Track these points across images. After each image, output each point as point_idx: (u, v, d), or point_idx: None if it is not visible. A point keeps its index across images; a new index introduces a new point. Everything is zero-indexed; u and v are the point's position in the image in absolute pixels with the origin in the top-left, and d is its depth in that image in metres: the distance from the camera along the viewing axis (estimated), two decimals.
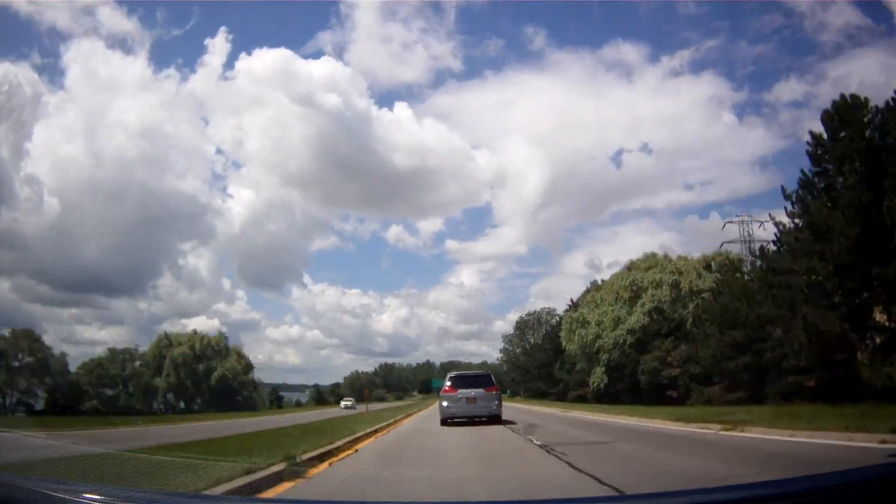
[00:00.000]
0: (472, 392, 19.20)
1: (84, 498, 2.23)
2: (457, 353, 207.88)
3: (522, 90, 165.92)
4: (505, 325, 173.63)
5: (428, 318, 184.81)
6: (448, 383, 19.87)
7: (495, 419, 18.94)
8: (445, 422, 18.88)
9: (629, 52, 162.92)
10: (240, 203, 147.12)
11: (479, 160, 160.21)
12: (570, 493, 6.46)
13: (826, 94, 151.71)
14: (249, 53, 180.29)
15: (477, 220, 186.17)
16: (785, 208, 26.22)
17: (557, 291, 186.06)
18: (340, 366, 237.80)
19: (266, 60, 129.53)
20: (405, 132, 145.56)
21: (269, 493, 6.74)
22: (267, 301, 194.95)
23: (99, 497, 2.31)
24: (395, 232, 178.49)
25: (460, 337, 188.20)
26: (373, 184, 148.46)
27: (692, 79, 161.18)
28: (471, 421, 19.15)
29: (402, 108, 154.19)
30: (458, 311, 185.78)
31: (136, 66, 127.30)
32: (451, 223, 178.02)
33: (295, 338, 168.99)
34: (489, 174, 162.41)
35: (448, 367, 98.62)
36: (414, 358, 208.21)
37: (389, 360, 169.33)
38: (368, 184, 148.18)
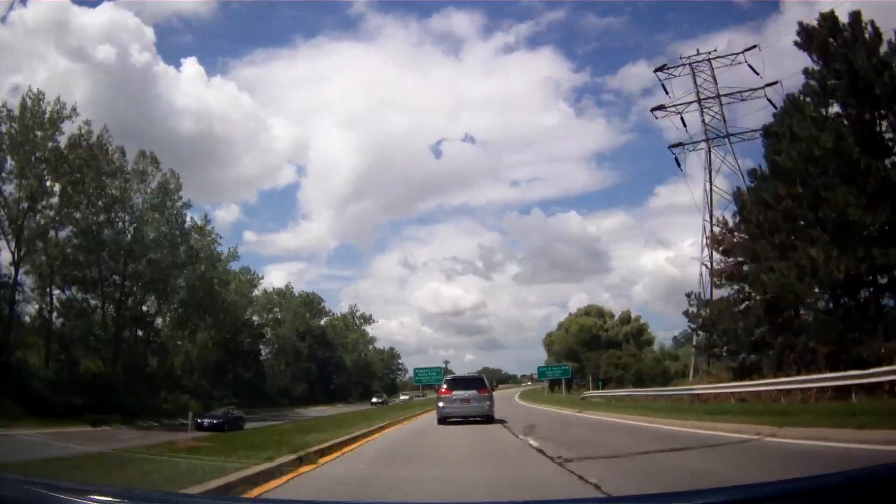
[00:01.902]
0: (466, 393, 20.28)
1: (85, 498, 2.23)
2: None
3: (336, 62, 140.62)
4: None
5: None
6: (444, 386, 21.23)
7: (488, 418, 19.95)
8: (442, 421, 19.87)
9: (461, 22, 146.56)
10: None
11: (275, 131, 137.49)
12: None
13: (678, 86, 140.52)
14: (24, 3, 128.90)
15: (279, 208, 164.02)
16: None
17: (370, 296, 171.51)
18: None
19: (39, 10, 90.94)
20: (194, 94, 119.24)
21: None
22: None
23: (100, 497, 2.31)
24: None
25: None
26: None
27: (528, 56, 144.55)
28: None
29: (190, 65, 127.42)
30: None
31: None
32: (249, 210, 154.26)
33: None
34: (287, 146, 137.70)
35: None
36: None
37: None
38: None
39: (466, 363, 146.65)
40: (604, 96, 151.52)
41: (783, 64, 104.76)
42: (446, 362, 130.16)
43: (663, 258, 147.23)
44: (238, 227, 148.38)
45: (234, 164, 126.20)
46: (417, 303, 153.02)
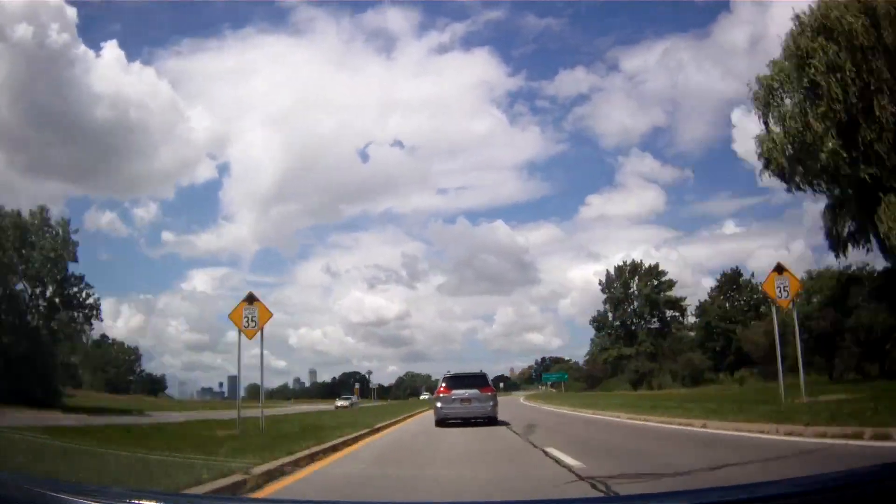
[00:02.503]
0: (467, 392, 18.85)
1: (85, 498, 2.23)
2: (191, 367, 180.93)
3: (263, 56, 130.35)
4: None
5: (159, 327, 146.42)
6: (443, 384, 19.65)
7: (491, 420, 18.58)
8: (440, 423, 18.56)
9: (397, 19, 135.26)
10: None
11: (194, 122, 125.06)
12: None
13: (616, 89, 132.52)
14: None
15: (200, 207, 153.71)
16: None
17: (293, 304, 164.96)
18: None
19: None
20: (113, 80, 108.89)
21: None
22: None
23: (100, 497, 2.31)
24: (108, 219, 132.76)
25: (192, 347, 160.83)
26: (85, 147, 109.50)
27: (462, 57, 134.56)
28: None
29: (111, 49, 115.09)
30: (190, 319, 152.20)
31: None
32: (169, 208, 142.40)
33: None
34: (207, 140, 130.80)
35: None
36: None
37: None
38: (80, 147, 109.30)
39: (389, 374, 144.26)
40: (539, 102, 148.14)
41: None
42: (369, 373, 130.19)
43: (592, 272, 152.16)
44: (157, 226, 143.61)
45: (152, 156, 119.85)
46: (341, 312, 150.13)
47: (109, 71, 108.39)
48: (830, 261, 37.58)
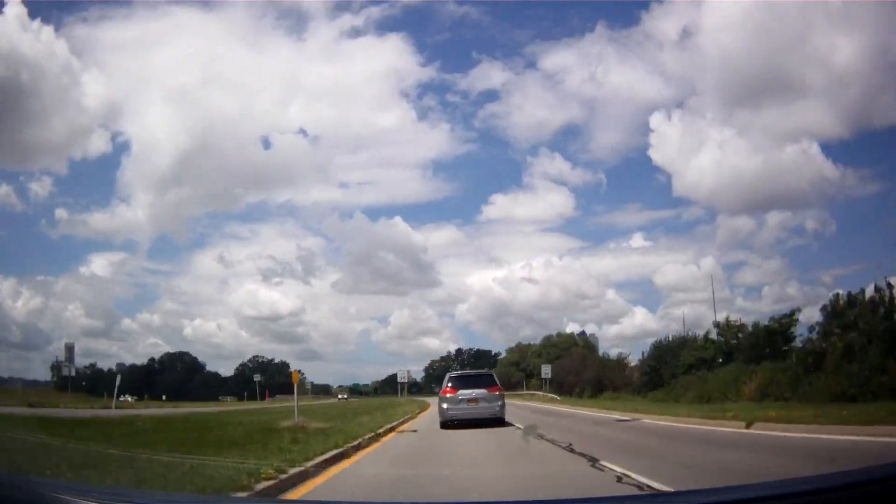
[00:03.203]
0: (474, 392, 18.17)
1: (86, 498, 2.23)
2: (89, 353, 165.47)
3: (169, 28, 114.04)
4: (133, 324, 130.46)
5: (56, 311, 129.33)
6: (448, 384, 18.90)
7: (498, 421, 17.95)
8: (446, 425, 17.90)
9: None
10: None
11: (88, 89, 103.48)
12: None
13: (531, 93, 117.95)
14: None
15: (94, 185, 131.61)
16: None
17: (188, 294, 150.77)
18: None
19: None
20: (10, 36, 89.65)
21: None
22: None
23: (101, 497, 2.31)
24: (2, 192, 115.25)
25: (89, 334, 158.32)
26: None
27: (373, 43, 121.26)
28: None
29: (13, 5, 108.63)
30: (86, 305, 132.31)
31: None
32: (63, 183, 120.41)
33: None
34: (102, 112, 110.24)
35: None
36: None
37: None
38: None
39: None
40: (450, 97, 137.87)
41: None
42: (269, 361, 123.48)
43: (491, 278, 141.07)
44: (51, 204, 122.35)
45: (43, 125, 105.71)
46: (235, 304, 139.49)
47: (8, 27, 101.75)
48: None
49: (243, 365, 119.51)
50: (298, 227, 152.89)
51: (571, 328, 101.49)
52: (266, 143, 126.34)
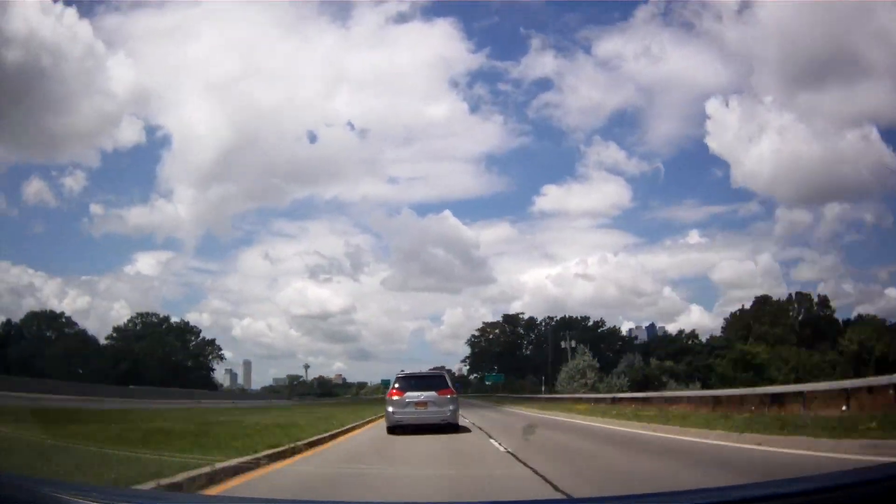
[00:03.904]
0: (422, 395, 16.56)
1: (86, 499, 2.23)
2: None
3: (207, 14, 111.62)
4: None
5: (103, 309, 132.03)
6: (395, 385, 17.21)
7: (450, 426, 16.39)
8: (394, 430, 16.29)
9: None
10: None
11: (114, 72, 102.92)
12: None
13: (585, 80, 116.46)
14: None
15: (133, 181, 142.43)
16: None
17: (237, 293, 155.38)
18: None
19: None
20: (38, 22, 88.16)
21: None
22: None
23: (99, 498, 2.31)
24: (35, 188, 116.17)
25: None
26: None
27: (421, 28, 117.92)
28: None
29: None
30: (132, 304, 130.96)
31: None
32: (96, 177, 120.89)
33: None
34: (134, 101, 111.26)
35: None
36: None
37: None
38: None
39: (335, 372, 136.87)
40: (501, 86, 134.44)
41: None
42: (306, 366, 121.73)
43: (545, 275, 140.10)
44: (88, 201, 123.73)
45: (70, 112, 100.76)
46: (283, 303, 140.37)
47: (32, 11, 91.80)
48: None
49: None
50: (347, 224, 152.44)
51: (626, 326, 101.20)
52: (312, 137, 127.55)
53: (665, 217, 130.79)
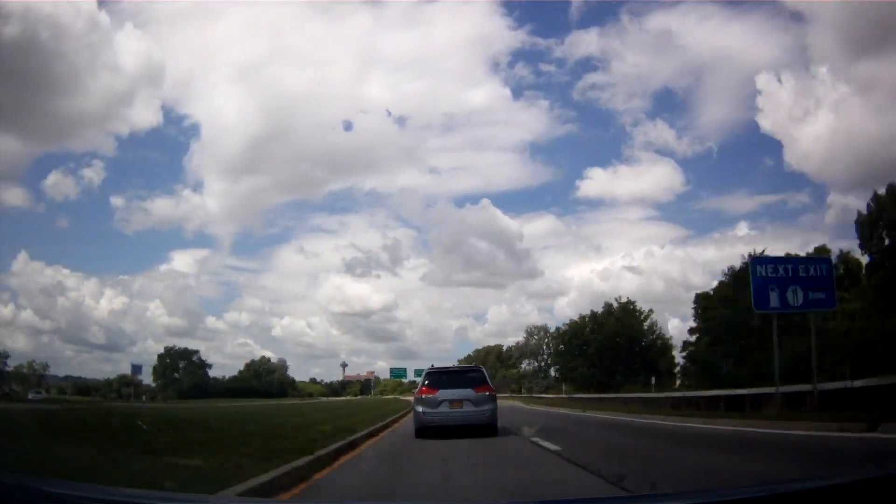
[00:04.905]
0: (458, 393, 14.89)
1: (86, 499, 2.23)
2: None
3: None
4: (220, 324, 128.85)
5: (139, 310, 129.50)
6: (425, 382, 15.61)
7: (489, 428, 14.62)
8: (422, 433, 14.70)
9: None
10: None
11: (126, 52, 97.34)
12: None
13: (635, 52, 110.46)
14: None
15: (157, 175, 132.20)
16: None
17: (279, 293, 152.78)
18: None
19: None
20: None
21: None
22: None
23: (99, 498, 2.31)
24: (53, 180, 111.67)
25: (174, 333, 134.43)
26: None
27: (457, 3, 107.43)
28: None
29: None
30: (168, 304, 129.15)
31: None
32: (114, 167, 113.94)
33: None
34: (163, 88, 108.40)
35: None
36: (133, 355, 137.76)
37: None
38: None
39: (379, 371, 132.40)
40: (543, 66, 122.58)
41: None
42: (344, 365, 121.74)
43: (590, 269, 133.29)
44: (103, 195, 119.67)
45: (82, 96, 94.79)
46: (323, 301, 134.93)
47: None
48: None
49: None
50: (387, 217, 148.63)
51: (673, 323, 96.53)
52: (347, 125, 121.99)
53: (714, 207, 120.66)
